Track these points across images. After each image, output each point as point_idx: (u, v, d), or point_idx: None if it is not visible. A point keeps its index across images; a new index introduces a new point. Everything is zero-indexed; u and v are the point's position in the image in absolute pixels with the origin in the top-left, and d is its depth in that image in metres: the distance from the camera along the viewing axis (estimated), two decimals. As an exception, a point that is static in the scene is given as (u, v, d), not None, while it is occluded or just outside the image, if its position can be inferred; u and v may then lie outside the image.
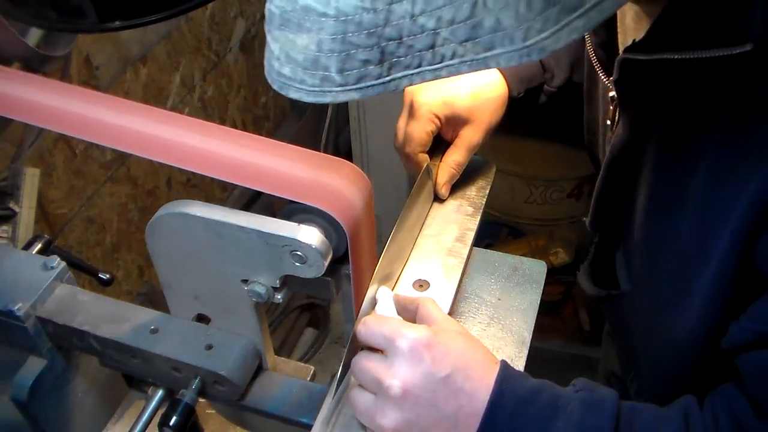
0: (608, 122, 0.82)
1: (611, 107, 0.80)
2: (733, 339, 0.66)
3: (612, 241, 0.90)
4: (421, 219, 0.88)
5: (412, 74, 0.52)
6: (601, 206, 0.86)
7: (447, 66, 0.52)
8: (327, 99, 0.54)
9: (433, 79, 0.53)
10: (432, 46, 0.51)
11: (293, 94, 0.54)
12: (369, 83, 0.52)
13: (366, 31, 0.50)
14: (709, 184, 0.66)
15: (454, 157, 0.90)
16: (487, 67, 0.51)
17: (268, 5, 0.54)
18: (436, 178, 0.89)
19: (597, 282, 0.94)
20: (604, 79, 0.80)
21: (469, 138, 0.90)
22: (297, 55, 0.52)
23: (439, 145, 0.91)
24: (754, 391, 0.65)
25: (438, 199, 0.91)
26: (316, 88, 0.53)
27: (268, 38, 0.55)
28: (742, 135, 0.62)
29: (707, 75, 0.64)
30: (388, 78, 0.52)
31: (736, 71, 0.61)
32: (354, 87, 0.52)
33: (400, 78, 0.52)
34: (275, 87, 0.56)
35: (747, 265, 0.63)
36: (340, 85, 0.52)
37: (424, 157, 0.89)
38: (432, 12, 0.49)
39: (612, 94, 0.78)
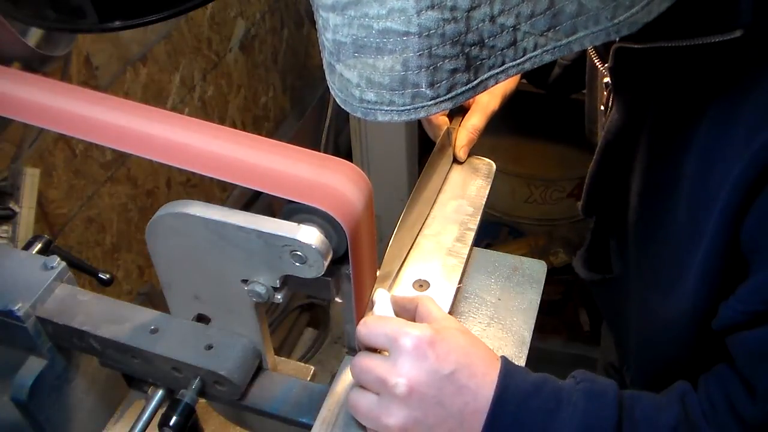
0: (602, 107, 0.83)
1: (606, 93, 0.82)
2: (723, 319, 0.67)
3: (606, 226, 0.91)
4: (441, 179, 0.92)
5: (497, 73, 0.54)
6: (594, 190, 0.88)
7: (530, 58, 0.53)
8: (421, 114, 0.54)
9: (517, 74, 0.54)
10: (513, 43, 0.52)
11: (381, 118, 0.55)
12: (459, 90, 0.54)
13: (450, 41, 0.51)
14: (700, 167, 0.67)
15: (473, 122, 0.94)
16: (571, 51, 0.53)
17: (330, 36, 0.54)
18: (455, 142, 0.93)
19: (592, 267, 0.95)
20: (600, 66, 0.82)
21: (486, 103, 0.95)
22: (381, 78, 0.53)
23: (458, 110, 0.96)
24: (745, 370, 0.66)
25: (456, 161, 0.95)
26: (408, 107, 0.54)
27: (339, 68, 0.55)
28: (730, 118, 0.63)
29: (698, 62, 0.66)
30: (476, 81, 0.53)
31: (726, 57, 0.63)
32: (446, 97, 0.53)
33: (486, 79, 0.54)
34: (359, 114, 0.56)
35: (735, 245, 0.64)
36: (432, 99, 0.53)
37: (444, 121, 0.94)
38: (510, 10, 0.50)
39: (607, 80, 0.80)
